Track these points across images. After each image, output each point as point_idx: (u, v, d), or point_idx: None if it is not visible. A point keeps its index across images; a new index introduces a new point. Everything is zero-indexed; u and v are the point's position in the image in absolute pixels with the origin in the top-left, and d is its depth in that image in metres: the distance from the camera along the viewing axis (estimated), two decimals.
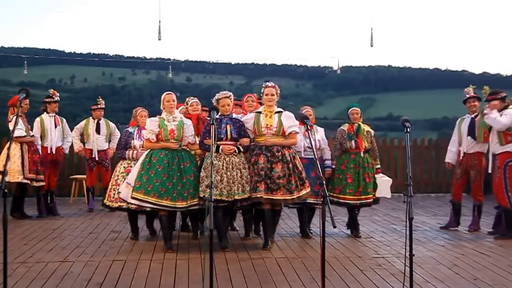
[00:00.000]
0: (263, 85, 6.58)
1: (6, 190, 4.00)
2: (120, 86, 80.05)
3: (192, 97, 7.44)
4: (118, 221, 8.29)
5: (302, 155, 6.90)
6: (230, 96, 6.41)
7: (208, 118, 6.62)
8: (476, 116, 7.57)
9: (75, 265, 5.69)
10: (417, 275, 5.16)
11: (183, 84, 67.87)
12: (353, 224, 7.36)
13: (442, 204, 10.26)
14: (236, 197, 6.16)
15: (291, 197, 6.29)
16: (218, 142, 6.23)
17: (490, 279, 5.18)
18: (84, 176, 10.31)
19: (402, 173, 11.74)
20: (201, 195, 6.16)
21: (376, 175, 7.22)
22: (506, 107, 7.13)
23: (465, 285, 5.02)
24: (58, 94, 9.21)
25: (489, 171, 7.31)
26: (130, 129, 7.27)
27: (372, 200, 7.20)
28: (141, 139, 6.89)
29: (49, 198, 8.99)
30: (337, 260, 5.93)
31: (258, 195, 6.23)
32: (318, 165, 4.47)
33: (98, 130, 9.65)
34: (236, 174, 6.18)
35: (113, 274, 5.32)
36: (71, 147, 9.69)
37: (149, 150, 6.34)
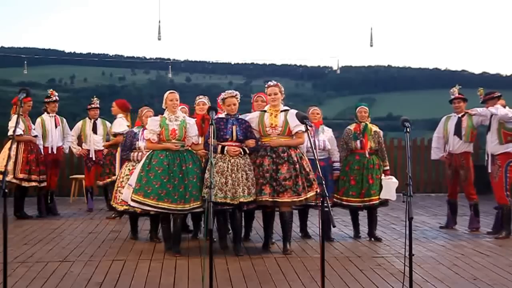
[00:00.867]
0: (266, 86, 6.38)
1: (6, 190, 3.99)
2: (120, 86, 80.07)
3: (201, 96, 7.21)
4: (118, 221, 8.29)
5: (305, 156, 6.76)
6: (236, 95, 6.23)
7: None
8: (462, 116, 7.61)
9: (75, 264, 5.69)
10: (417, 275, 5.16)
11: (183, 84, 67.84)
12: (353, 225, 7.22)
13: (442, 204, 10.23)
14: (242, 200, 5.97)
15: (298, 199, 6.05)
16: (223, 143, 6.06)
17: (489, 278, 5.18)
18: (84, 176, 10.31)
19: (402, 173, 11.69)
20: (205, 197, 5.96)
21: (384, 177, 6.96)
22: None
23: (464, 285, 5.02)
24: (56, 94, 9.21)
25: (489, 170, 7.33)
26: (135, 129, 7.10)
27: (378, 202, 6.94)
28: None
29: (49, 198, 9.02)
30: (337, 259, 5.93)
31: (264, 199, 6.03)
32: (318, 165, 4.45)
33: (95, 130, 9.65)
34: (242, 176, 5.98)
35: (113, 274, 5.32)
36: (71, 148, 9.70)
37: (150, 151, 6.19)
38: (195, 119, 6.63)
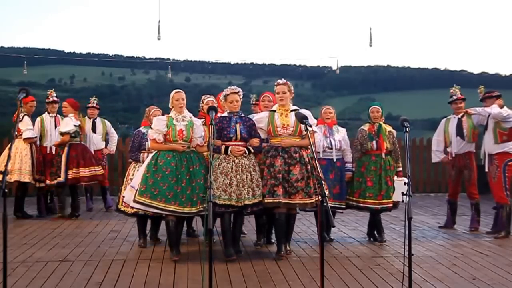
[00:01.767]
0: (275, 84, 6.18)
1: (6, 190, 4.00)
2: (119, 86, 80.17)
3: (208, 95, 6.94)
4: (118, 221, 8.30)
5: (321, 156, 6.67)
6: (238, 92, 6.03)
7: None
8: (462, 116, 7.62)
9: (75, 264, 5.69)
10: (416, 275, 5.17)
11: (182, 84, 67.82)
12: (377, 229, 6.94)
13: (441, 204, 10.25)
14: (246, 202, 5.77)
15: (310, 201, 5.84)
16: (227, 143, 5.88)
17: (489, 278, 5.19)
18: None
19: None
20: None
21: (396, 178, 6.78)
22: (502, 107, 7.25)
23: (464, 285, 5.03)
24: (54, 95, 9.16)
25: (486, 169, 7.35)
26: (143, 129, 6.77)
27: (392, 205, 6.77)
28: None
29: (49, 197, 9.04)
30: (336, 259, 5.93)
31: (276, 200, 5.80)
32: (317, 164, 4.45)
33: (94, 129, 9.65)
34: (246, 177, 5.80)
35: (112, 274, 5.33)
36: None
37: (155, 151, 5.94)
38: (203, 120, 6.40)
